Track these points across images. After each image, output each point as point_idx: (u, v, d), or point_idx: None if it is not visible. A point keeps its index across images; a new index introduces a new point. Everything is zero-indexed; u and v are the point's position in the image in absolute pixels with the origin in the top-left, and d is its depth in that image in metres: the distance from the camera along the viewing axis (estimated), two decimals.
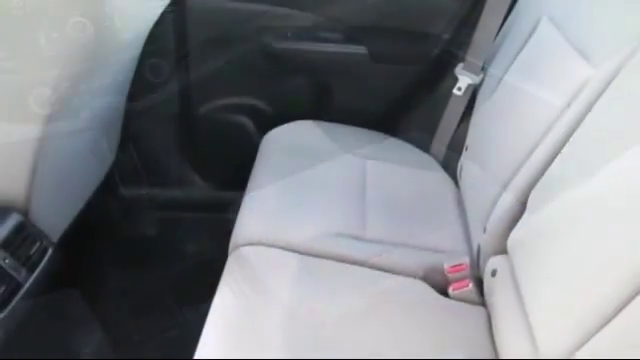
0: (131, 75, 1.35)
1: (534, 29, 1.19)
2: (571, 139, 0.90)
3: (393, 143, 1.53)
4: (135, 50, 1.27)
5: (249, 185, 1.29)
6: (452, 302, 1.06)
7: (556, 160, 0.92)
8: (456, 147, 1.43)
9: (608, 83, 0.86)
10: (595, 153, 0.83)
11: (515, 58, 1.23)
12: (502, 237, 1.02)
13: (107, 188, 1.50)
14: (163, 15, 1.33)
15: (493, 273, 1.00)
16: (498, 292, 0.97)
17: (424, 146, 1.51)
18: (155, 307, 1.43)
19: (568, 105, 0.94)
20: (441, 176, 1.43)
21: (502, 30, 1.35)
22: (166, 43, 1.47)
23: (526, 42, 1.21)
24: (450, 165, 1.46)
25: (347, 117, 1.53)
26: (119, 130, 1.46)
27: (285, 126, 1.49)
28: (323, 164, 1.36)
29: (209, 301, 0.98)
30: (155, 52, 1.42)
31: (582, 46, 0.98)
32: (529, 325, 0.85)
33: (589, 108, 0.88)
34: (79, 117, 1.08)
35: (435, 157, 1.50)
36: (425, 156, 1.51)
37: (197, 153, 1.69)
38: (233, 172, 1.49)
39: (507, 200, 1.02)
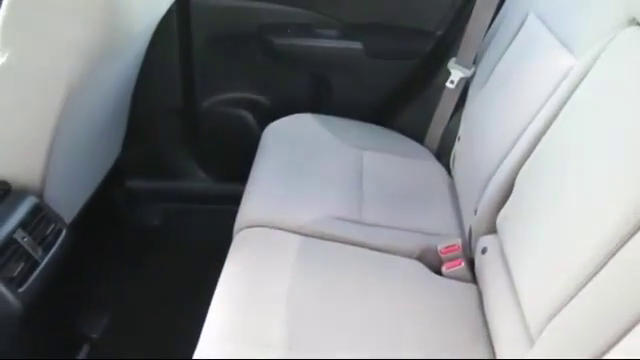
0: (138, 68, 1.41)
1: (522, 24, 1.26)
2: (554, 124, 0.96)
3: (389, 135, 1.59)
4: (143, 43, 1.32)
5: (252, 173, 1.34)
6: (445, 280, 1.12)
7: (540, 143, 0.98)
8: (449, 138, 1.50)
9: (587, 71, 0.93)
10: (575, 135, 0.89)
11: (504, 52, 1.29)
12: (492, 217, 1.08)
13: (113, 179, 1.55)
14: (169, 11, 1.38)
15: (483, 251, 1.07)
16: (488, 267, 1.03)
17: (418, 137, 1.58)
18: (159, 292, 1.49)
19: (552, 93, 1.01)
20: (435, 166, 1.49)
21: (492, 26, 1.41)
22: (171, 38, 1.53)
23: (514, 37, 1.27)
24: (443, 155, 1.52)
25: (344, 110, 1.59)
26: (125, 122, 1.52)
27: (285, 119, 1.54)
28: (322, 154, 1.42)
29: (212, 283, 1.03)
30: (160, 47, 1.48)
31: (565, 38, 1.05)
32: (516, 295, 0.91)
33: (570, 95, 0.95)
34: (92, 106, 1.14)
35: (429, 148, 1.57)
36: (419, 147, 1.57)
37: (200, 146, 1.75)
38: (234, 165, 1.54)
39: (496, 183, 1.08)
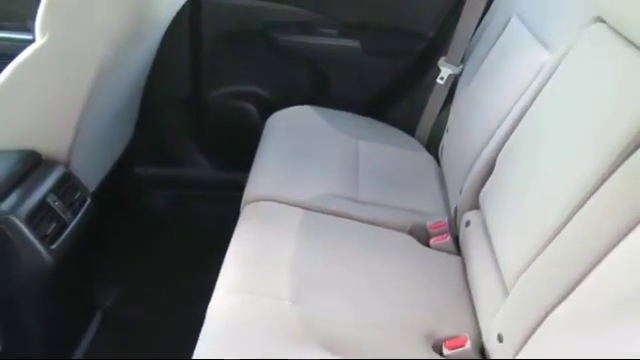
0: (153, 57, 1.52)
1: (505, 26, 1.39)
2: (529, 110, 1.09)
3: (382, 127, 1.71)
4: (161, 32, 1.44)
5: (256, 156, 1.46)
6: (433, 251, 1.24)
7: (518, 127, 1.11)
8: (438, 131, 1.62)
9: (558, 65, 1.06)
10: (547, 120, 1.02)
11: (489, 51, 1.43)
12: (475, 195, 1.21)
13: (122, 165, 1.65)
14: (182, 7, 1.50)
15: (467, 224, 1.19)
16: (470, 238, 1.15)
17: (410, 130, 1.70)
18: (165, 267, 1.59)
19: (529, 84, 1.14)
20: (424, 155, 1.62)
21: (479, 27, 1.55)
22: (182, 33, 1.65)
23: (499, 37, 1.41)
24: (433, 147, 1.64)
25: (342, 103, 1.71)
26: (138, 107, 1.62)
27: (287, 110, 1.66)
28: (320, 142, 1.54)
29: (213, 260, 1.13)
30: (171, 40, 1.59)
31: (542, 35, 1.18)
32: (495, 259, 1.03)
33: (544, 85, 1.08)
34: (115, 87, 1.25)
35: (420, 140, 1.69)
36: (411, 139, 1.69)
37: (204, 136, 1.86)
38: (236, 154, 1.66)
39: (479, 164, 1.21)
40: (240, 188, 1.36)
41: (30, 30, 1.60)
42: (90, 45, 1.06)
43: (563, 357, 0.76)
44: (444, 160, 1.52)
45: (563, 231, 0.84)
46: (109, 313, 1.43)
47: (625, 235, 0.73)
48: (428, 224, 1.29)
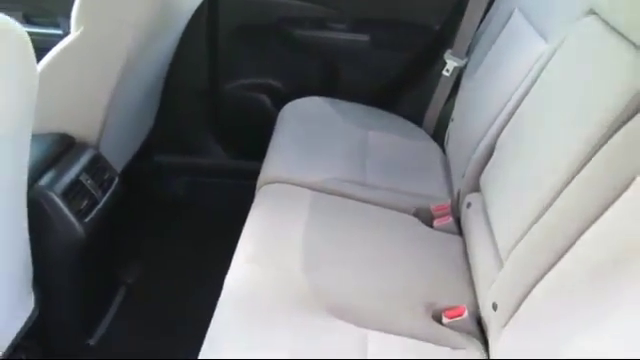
0: (174, 49, 1.61)
1: (508, 19, 1.47)
2: (526, 98, 1.16)
3: (390, 117, 1.79)
4: (181, 27, 1.53)
5: (271, 143, 1.54)
6: (436, 232, 1.32)
7: (516, 114, 1.19)
8: (444, 121, 1.70)
9: (554, 54, 1.13)
10: (541, 106, 1.10)
11: (493, 43, 1.50)
12: (476, 179, 1.29)
13: (143, 153, 1.75)
14: (201, 2, 1.59)
15: (468, 205, 1.27)
16: (471, 218, 1.23)
17: (417, 120, 1.78)
18: (184, 249, 1.69)
19: (527, 74, 1.22)
20: (430, 145, 1.70)
21: (484, 22, 1.62)
22: (200, 27, 1.74)
23: (502, 30, 1.48)
24: (439, 136, 1.72)
25: (351, 95, 1.79)
26: (159, 97, 1.72)
27: (299, 100, 1.75)
28: (331, 131, 1.62)
29: (229, 241, 1.21)
30: (191, 34, 1.68)
31: (541, 27, 1.26)
32: (492, 236, 1.11)
33: (540, 74, 1.15)
34: (141, 76, 1.35)
35: (426, 130, 1.77)
36: (418, 129, 1.77)
37: (221, 126, 1.95)
38: (250, 143, 1.74)
39: (481, 149, 1.28)
40: (254, 176, 1.44)
41: (60, 26, 1.71)
42: (119, 37, 1.16)
43: (549, 321, 0.84)
44: (449, 147, 1.60)
45: (552, 206, 0.92)
46: (131, 289, 1.53)
47: (604, 210, 0.80)
48: (432, 207, 1.37)
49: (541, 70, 1.16)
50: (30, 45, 0.84)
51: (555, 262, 0.87)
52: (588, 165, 0.86)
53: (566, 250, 0.86)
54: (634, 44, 0.87)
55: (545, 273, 0.88)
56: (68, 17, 1.20)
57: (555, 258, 0.87)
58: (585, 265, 0.81)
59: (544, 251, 0.90)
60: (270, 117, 1.76)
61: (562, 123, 0.98)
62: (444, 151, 1.66)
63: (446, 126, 1.67)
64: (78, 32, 1.14)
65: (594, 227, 0.82)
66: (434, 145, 1.69)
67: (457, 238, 1.30)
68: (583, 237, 0.83)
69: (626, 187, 0.78)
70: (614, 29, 0.96)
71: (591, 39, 1.04)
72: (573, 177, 0.89)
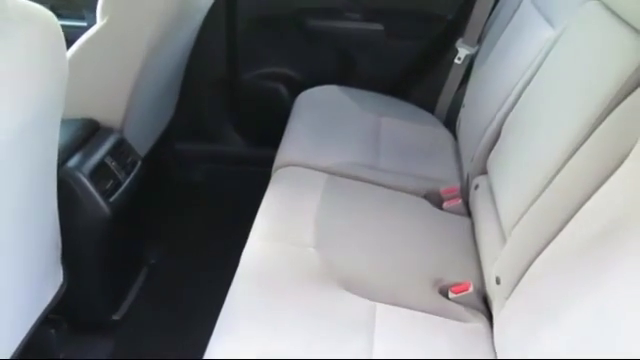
0: (194, 40, 1.67)
1: (517, 7, 1.50)
2: (532, 82, 1.20)
3: (403, 105, 1.83)
4: (200, 18, 1.59)
5: (286, 129, 1.60)
6: (445, 213, 1.36)
7: (520, 99, 1.22)
8: (456, 108, 1.73)
9: (558, 39, 1.16)
10: (544, 90, 1.13)
11: (503, 31, 1.53)
12: (484, 162, 1.32)
13: (164, 140, 1.82)
14: None
15: (476, 187, 1.31)
16: (478, 199, 1.28)
17: (430, 108, 1.82)
18: (203, 231, 1.75)
19: (533, 60, 1.25)
20: (442, 131, 1.73)
21: (494, 10, 1.65)
22: (219, 18, 1.80)
23: (512, 18, 1.51)
24: (451, 123, 1.76)
25: (365, 83, 1.84)
26: (179, 87, 1.78)
27: (315, 89, 1.80)
28: (345, 118, 1.67)
29: (245, 223, 1.27)
30: (210, 25, 1.74)
31: (547, 13, 1.29)
32: (498, 215, 1.15)
33: (545, 59, 1.19)
34: (161, 66, 1.41)
35: (439, 117, 1.81)
36: (430, 116, 1.81)
37: (238, 114, 2.01)
38: (267, 131, 1.80)
39: (489, 133, 1.32)
40: (270, 163, 1.49)
41: (85, 18, 1.79)
42: (142, 27, 1.22)
43: (547, 291, 0.88)
44: (460, 133, 1.63)
45: (551, 184, 0.96)
46: (153, 269, 1.60)
47: (600, 186, 0.84)
48: (441, 189, 1.41)
49: (546, 55, 1.19)
50: (61, 33, 0.91)
51: (553, 237, 0.91)
52: (586, 143, 0.90)
53: (563, 225, 0.90)
54: (633, 27, 0.91)
55: (544, 247, 0.92)
56: (92, 10, 1.27)
57: (554, 233, 0.91)
58: (580, 238, 0.85)
59: (543, 227, 0.94)
60: (286, 106, 1.81)
61: (563, 104, 1.01)
62: (455, 137, 1.70)
63: (458, 113, 1.70)
64: (103, 22, 1.20)
65: (589, 203, 0.85)
66: (445, 131, 1.73)
67: (465, 219, 1.34)
68: (579, 212, 0.87)
69: (620, 163, 0.81)
70: (614, 13, 0.99)
71: (592, 24, 1.07)
72: (572, 155, 0.93)
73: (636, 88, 0.84)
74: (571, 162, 0.93)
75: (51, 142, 1.02)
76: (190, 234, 1.75)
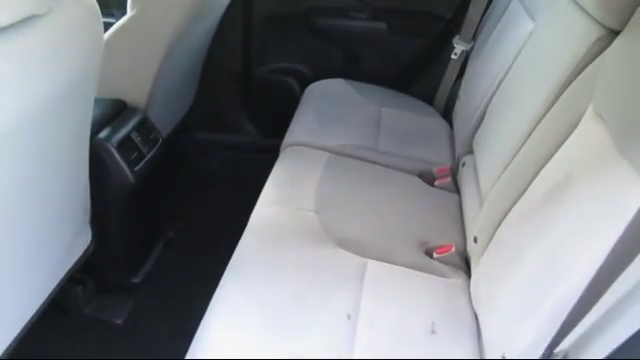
0: (212, 35, 1.83)
1: (507, 5, 1.63)
2: (511, 70, 1.33)
3: (404, 97, 1.97)
4: (219, 14, 1.75)
5: (295, 115, 1.74)
6: (436, 190, 1.49)
7: (501, 85, 1.35)
8: (453, 100, 1.87)
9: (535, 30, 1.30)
10: (520, 76, 1.26)
11: (494, 28, 1.66)
12: (471, 142, 1.46)
13: (183, 130, 1.98)
14: None
15: (463, 165, 1.44)
16: (464, 175, 1.41)
17: (429, 100, 1.95)
18: (217, 213, 1.90)
19: (518, 51, 1.38)
20: (439, 121, 1.87)
21: (487, 10, 1.79)
22: (235, 16, 1.95)
23: (502, 15, 1.64)
24: (448, 114, 1.88)
25: (369, 77, 1.98)
26: (198, 78, 1.94)
27: (322, 81, 1.94)
28: (349, 107, 1.81)
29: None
30: (226, 23, 1.90)
31: (531, 9, 1.42)
32: (479, 188, 1.28)
33: (522, 49, 1.32)
34: (183, 54, 1.57)
35: (437, 109, 1.94)
36: (429, 107, 1.94)
37: (252, 106, 2.16)
38: (278, 122, 1.94)
39: (475, 117, 1.45)
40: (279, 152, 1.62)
41: (114, 15, 1.96)
42: (167, 18, 1.38)
43: (510, 244, 1.00)
44: (455, 121, 1.76)
45: (520, 150, 1.09)
46: (170, 243, 1.75)
47: (559, 147, 0.97)
48: (434, 169, 1.54)
49: (524, 45, 1.32)
50: (101, 18, 1.07)
51: (520, 196, 1.04)
52: (547, 115, 1.04)
53: (527, 187, 1.03)
54: (587, 13, 1.04)
55: (512, 207, 1.05)
56: (120, 8, 1.43)
57: (519, 194, 1.04)
58: (537, 196, 0.98)
59: (512, 190, 1.07)
60: (296, 98, 1.95)
61: (531, 84, 1.15)
62: (452, 127, 1.83)
63: (454, 104, 1.83)
64: (132, 13, 1.36)
65: (547, 166, 0.99)
66: (442, 121, 1.86)
67: (454, 195, 1.47)
68: (539, 175, 1.00)
69: (577, 124, 0.94)
70: (577, 3, 1.12)
71: (558, 14, 1.21)
72: (536, 127, 1.06)
73: (587, 66, 0.97)
74: (535, 132, 1.06)
75: (86, 112, 1.17)
76: (204, 213, 1.90)
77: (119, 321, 1.49)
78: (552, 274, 0.84)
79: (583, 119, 0.94)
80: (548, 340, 0.74)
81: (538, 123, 1.05)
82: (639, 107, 0.83)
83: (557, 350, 0.72)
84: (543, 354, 0.72)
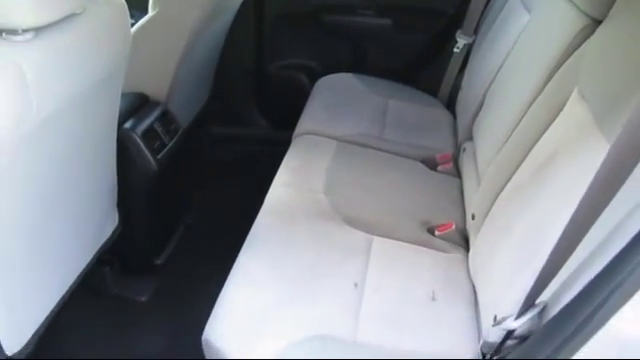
0: (226, 33, 1.94)
1: (506, 1, 1.72)
2: (508, 57, 1.42)
3: (409, 90, 2.06)
4: (233, 12, 1.86)
5: (305, 107, 1.84)
6: (439, 174, 1.59)
7: (499, 74, 1.44)
8: (456, 91, 1.96)
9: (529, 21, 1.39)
10: (515, 62, 1.35)
11: (494, 22, 1.75)
12: (471, 129, 1.55)
13: (199, 124, 2.08)
14: None
15: (463, 150, 1.53)
16: (465, 159, 1.50)
17: (433, 93, 2.04)
18: (233, 201, 2.00)
19: (512, 41, 1.47)
20: (443, 112, 1.96)
21: (488, 5, 1.88)
22: (248, 14, 2.06)
23: (501, 9, 1.73)
24: (452, 105, 1.98)
25: (376, 71, 2.07)
26: (213, 73, 2.05)
27: (331, 76, 2.04)
28: (357, 99, 1.91)
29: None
30: (239, 22, 2.00)
31: (528, 2, 1.50)
32: (478, 170, 1.37)
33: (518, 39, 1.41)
34: (200, 50, 1.68)
35: (441, 100, 2.03)
36: (433, 99, 2.03)
37: (264, 101, 2.26)
38: (290, 117, 2.04)
39: (476, 106, 1.55)
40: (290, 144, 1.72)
41: (134, 16, 2.07)
42: (185, 18, 1.49)
43: (504, 217, 1.09)
44: (457, 111, 1.86)
45: (514, 131, 1.18)
46: (189, 228, 1.86)
47: (549, 125, 1.06)
48: (437, 156, 1.64)
49: (520, 36, 1.41)
50: (129, 17, 1.17)
51: (512, 174, 1.13)
52: (537, 98, 1.13)
53: (519, 165, 1.12)
54: (574, 3, 1.13)
55: (506, 183, 1.14)
56: (140, 10, 1.53)
57: (512, 172, 1.13)
58: (527, 173, 1.07)
59: (506, 168, 1.16)
60: (307, 93, 2.04)
61: (524, 71, 1.24)
62: (455, 117, 1.92)
63: (457, 96, 1.92)
64: (154, 13, 1.47)
65: (536, 145, 1.08)
66: (446, 112, 1.95)
67: (455, 179, 1.56)
68: (530, 154, 1.09)
69: (563, 106, 1.03)
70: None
71: (549, 5, 1.29)
72: (527, 110, 1.15)
73: (573, 52, 1.06)
74: (526, 115, 1.15)
75: (115, 103, 1.29)
76: (221, 201, 2.01)
77: (143, 298, 1.60)
78: (537, 241, 0.93)
79: (569, 101, 1.03)
80: (532, 295, 0.83)
81: (530, 107, 1.14)
82: (616, 86, 0.91)
83: (538, 301, 0.81)
84: (523, 305, 0.81)
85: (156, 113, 1.55)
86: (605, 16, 1.05)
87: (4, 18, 0.85)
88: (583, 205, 0.70)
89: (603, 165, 0.66)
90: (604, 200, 0.67)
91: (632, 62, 0.91)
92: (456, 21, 1.97)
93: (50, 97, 0.96)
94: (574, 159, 0.92)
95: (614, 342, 0.61)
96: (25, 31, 0.88)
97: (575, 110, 1.01)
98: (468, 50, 1.93)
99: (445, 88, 2.02)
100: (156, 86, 1.58)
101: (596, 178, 0.68)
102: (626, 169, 0.65)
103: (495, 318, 0.96)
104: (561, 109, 1.04)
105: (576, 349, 0.62)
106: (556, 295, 0.78)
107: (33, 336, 1.16)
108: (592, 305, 0.61)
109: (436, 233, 1.33)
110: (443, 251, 1.28)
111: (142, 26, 1.50)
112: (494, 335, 0.93)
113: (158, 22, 1.50)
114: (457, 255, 1.27)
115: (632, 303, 0.60)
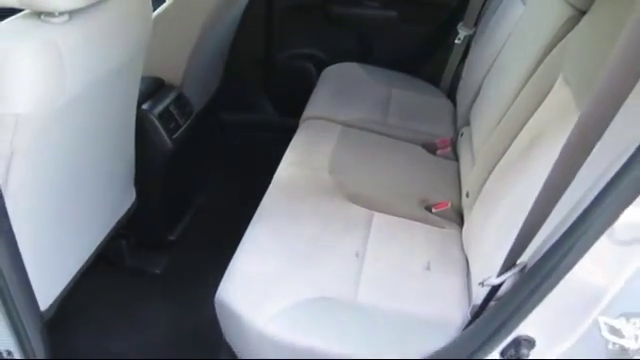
0: (237, 23, 2.03)
1: None
2: (503, 48, 1.51)
3: (413, 80, 2.14)
4: (244, 3, 1.95)
5: (312, 93, 1.94)
6: (437, 158, 1.68)
7: (495, 62, 1.53)
8: (457, 81, 2.04)
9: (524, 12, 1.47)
10: (510, 51, 1.44)
11: (493, 15, 1.84)
12: (468, 115, 1.63)
13: (210, 111, 2.18)
14: None
15: (461, 134, 1.62)
16: (462, 143, 1.59)
17: (435, 82, 2.13)
18: (242, 183, 2.10)
19: (508, 32, 1.55)
20: (444, 101, 2.04)
21: None
22: (258, 5, 2.15)
23: (500, 3, 1.81)
24: (453, 95, 2.06)
25: (381, 61, 2.16)
26: (224, 63, 2.14)
27: (337, 65, 2.13)
28: (361, 88, 2.00)
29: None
30: (249, 13, 2.09)
31: None
32: (473, 153, 1.46)
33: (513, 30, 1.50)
34: (212, 40, 1.77)
35: (442, 90, 2.12)
36: (435, 89, 2.12)
37: (272, 89, 2.36)
38: (298, 104, 2.13)
39: (474, 93, 1.63)
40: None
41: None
42: (199, 7, 1.58)
43: (494, 193, 1.18)
44: (457, 99, 1.94)
45: (506, 115, 1.27)
46: (200, 208, 1.96)
47: (533, 112, 1.15)
48: (437, 140, 1.72)
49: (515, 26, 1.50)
50: (151, 6, 1.27)
51: (503, 153, 1.22)
52: (528, 83, 1.21)
53: (509, 145, 1.21)
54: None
55: (497, 162, 1.23)
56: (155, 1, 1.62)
57: (503, 152, 1.22)
58: (516, 152, 1.16)
59: (497, 148, 1.25)
60: (314, 81, 2.13)
61: (516, 58, 1.32)
62: (455, 106, 2.00)
63: (458, 85, 2.01)
64: (170, 2, 1.57)
65: (525, 127, 1.16)
66: (447, 101, 2.04)
67: (453, 163, 1.65)
68: (519, 135, 1.18)
69: (550, 90, 1.12)
70: None
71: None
72: (519, 94, 1.24)
73: (559, 41, 1.15)
74: (517, 100, 1.24)
75: (135, 85, 1.38)
76: (231, 183, 2.11)
77: (157, 271, 1.71)
78: (521, 212, 1.02)
79: (554, 87, 1.11)
80: (512, 257, 0.92)
81: (520, 93, 1.23)
82: (597, 71, 1.00)
83: (518, 262, 0.90)
84: (503, 265, 0.90)
85: (172, 96, 1.64)
86: (589, 7, 1.13)
87: (43, 1, 0.94)
88: (554, 173, 0.79)
89: (572, 134, 0.75)
90: (573, 169, 0.76)
91: (612, 49, 0.99)
92: (458, 14, 2.06)
93: (80, 76, 1.06)
94: (556, 139, 1.01)
95: (578, 288, 0.70)
96: (61, 14, 0.98)
97: (559, 95, 1.09)
98: (469, 42, 2.01)
99: (446, 78, 2.10)
100: (171, 71, 1.68)
101: (566, 146, 0.76)
102: (593, 138, 0.73)
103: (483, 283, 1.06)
104: (547, 94, 1.13)
105: (545, 295, 0.71)
106: (534, 256, 0.87)
107: (58, 297, 1.27)
108: (557, 257, 0.70)
109: (433, 210, 1.42)
110: (439, 227, 1.37)
111: (159, 14, 1.59)
112: (481, 298, 1.02)
113: (174, 11, 1.59)
114: (452, 231, 1.36)
115: (592, 256, 0.69)
